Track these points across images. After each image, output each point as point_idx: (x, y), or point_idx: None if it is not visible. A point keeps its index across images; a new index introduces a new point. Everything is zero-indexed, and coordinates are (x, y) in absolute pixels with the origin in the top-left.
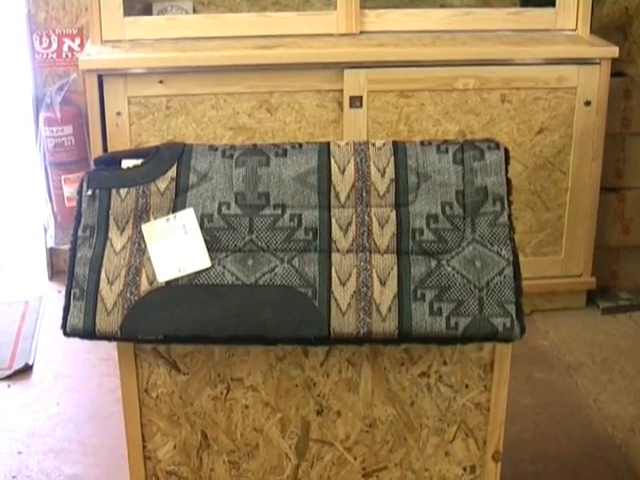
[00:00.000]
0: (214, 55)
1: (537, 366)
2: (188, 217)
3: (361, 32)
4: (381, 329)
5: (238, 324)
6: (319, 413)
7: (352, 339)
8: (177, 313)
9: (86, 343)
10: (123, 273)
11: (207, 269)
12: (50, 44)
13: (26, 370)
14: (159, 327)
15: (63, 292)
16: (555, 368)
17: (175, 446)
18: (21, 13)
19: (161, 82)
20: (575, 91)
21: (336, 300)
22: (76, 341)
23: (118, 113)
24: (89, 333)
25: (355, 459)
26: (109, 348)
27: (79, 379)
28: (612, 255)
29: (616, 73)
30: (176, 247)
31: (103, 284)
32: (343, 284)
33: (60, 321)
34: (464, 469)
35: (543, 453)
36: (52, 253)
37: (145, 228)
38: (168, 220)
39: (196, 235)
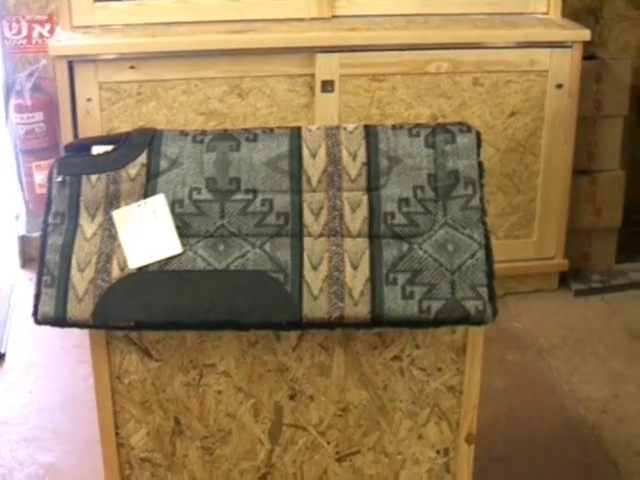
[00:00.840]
0: (185, 40)
1: (510, 348)
2: (159, 203)
3: (333, 16)
4: (353, 313)
5: (210, 310)
6: (292, 398)
7: (324, 324)
8: (148, 300)
9: (59, 330)
10: (94, 260)
11: (178, 255)
12: (20, 30)
13: None
14: (130, 314)
15: (35, 280)
16: (528, 350)
17: (148, 433)
18: None
19: (132, 68)
20: (547, 74)
21: (308, 285)
22: (49, 329)
23: (89, 99)
24: (60, 321)
25: (328, 443)
26: (82, 335)
27: (52, 367)
28: (584, 237)
29: (588, 56)
30: (147, 233)
31: (74, 271)
32: (315, 268)
33: (32, 309)
34: (437, 452)
35: (516, 435)
36: (24, 241)
37: (116, 214)
38: (139, 206)
39: (167, 221)
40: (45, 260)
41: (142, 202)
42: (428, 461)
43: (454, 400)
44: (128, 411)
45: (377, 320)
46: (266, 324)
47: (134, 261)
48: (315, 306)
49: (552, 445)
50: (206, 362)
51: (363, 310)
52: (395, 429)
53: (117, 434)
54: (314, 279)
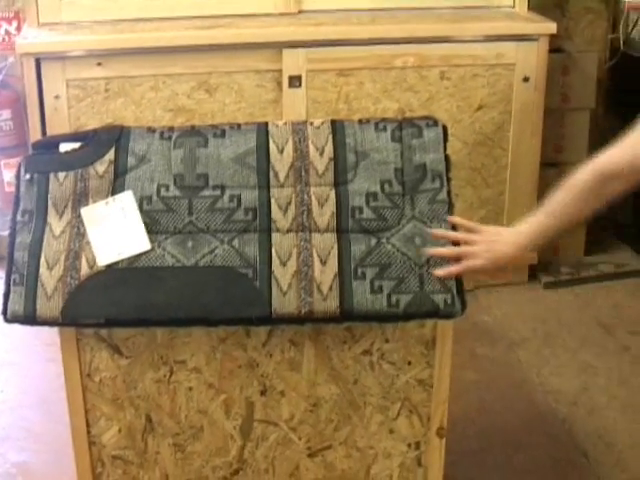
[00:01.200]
0: (152, 36)
1: (480, 342)
2: (127, 200)
3: (299, 11)
4: (322, 308)
5: (179, 307)
6: (263, 393)
7: (294, 319)
8: (118, 297)
9: (30, 329)
10: (63, 257)
11: (147, 252)
12: None
13: None
14: (100, 311)
15: (3, 278)
16: (498, 343)
17: (120, 430)
18: None
19: (99, 64)
20: (514, 67)
21: (277, 280)
22: (19, 327)
23: (56, 96)
24: (30, 319)
25: (300, 439)
26: (53, 333)
27: (24, 365)
28: None
29: (554, 49)
30: (115, 230)
31: (43, 269)
32: (284, 264)
33: (1, 307)
34: (409, 446)
35: (488, 428)
36: None
37: (84, 212)
38: (107, 203)
39: (135, 218)
40: (14, 258)
41: (110, 199)
42: (399, 455)
43: (424, 394)
44: (99, 409)
45: (346, 315)
46: (236, 320)
47: (103, 258)
48: (284, 301)
49: (523, 438)
50: (176, 358)
51: (332, 305)
52: (366, 423)
53: (89, 432)
54: (283, 274)
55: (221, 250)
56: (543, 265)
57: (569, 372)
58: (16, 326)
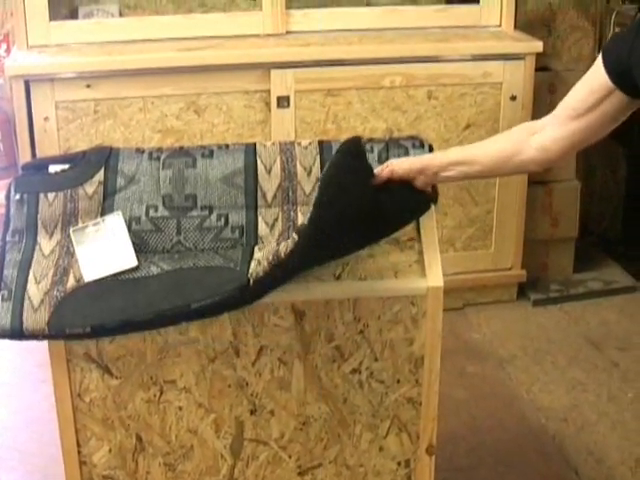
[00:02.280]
0: (141, 58)
1: (470, 360)
2: (116, 221)
3: (287, 32)
4: None
5: (162, 300)
6: (253, 412)
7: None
8: (103, 305)
9: (21, 349)
10: (51, 273)
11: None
12: None
13: None
14: (85, 320)
15: None
16: (488, 361)
17: (110, 450)
18: None
19: (88, 86)
20: (501, 86)
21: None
22: (10, 348)
23: (46, 118)
24: (17, 332)
25: (290, 457)
26: (44, 354)
27: (14, 386)
28: (542, 248)
29: (541, 68)
30: (104, 250)
31: (30, 284)
32: None
33: None
34: (398, 464)
35: (478, 446)
36: None
37: (73, 232)
38: (96, 224)
39: (124, 237)
40: (3, 276)
41: (99, 220)
42: (389, 473)
43: (414, 411)
44: (90, 429)
45: None
46: (216, 302)
47: (90, 275)
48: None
49: (514, 454)
50: (166, 378)
51: None
52: (356, 442)
53: (79, 452)
54: None
55: (205, 256)
56: (532, 283)
57: (559, 389)
58: (7, 347)
